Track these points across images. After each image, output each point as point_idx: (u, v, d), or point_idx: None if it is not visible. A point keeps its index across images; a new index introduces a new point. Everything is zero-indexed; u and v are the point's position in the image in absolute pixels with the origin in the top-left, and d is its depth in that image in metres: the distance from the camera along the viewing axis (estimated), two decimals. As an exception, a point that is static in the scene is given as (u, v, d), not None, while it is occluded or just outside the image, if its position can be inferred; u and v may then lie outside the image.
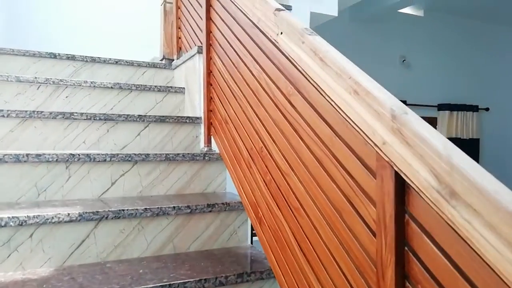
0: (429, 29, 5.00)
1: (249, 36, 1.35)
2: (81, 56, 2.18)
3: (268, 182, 1.22)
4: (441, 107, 5.13)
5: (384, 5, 3.71)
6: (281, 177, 1.14)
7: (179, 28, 2.36)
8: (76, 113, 1.69)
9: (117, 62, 2.26)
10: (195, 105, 1.97)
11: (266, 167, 1.24)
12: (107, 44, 3.47)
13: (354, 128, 0.79)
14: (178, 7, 2.36)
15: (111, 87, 1.99)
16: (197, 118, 1.91)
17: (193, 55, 1.97)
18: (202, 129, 1.91)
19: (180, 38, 2.36)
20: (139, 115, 1.79)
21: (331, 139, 0.90)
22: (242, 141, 1.44)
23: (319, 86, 0.91)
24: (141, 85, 2.05)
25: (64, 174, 1.45)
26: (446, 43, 5.16)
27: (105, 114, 1.73)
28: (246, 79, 1.40)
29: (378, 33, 4.56)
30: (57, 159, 1.43)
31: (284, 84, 1.12)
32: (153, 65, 2.34)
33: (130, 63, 2.29)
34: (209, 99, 1.81)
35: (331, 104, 0.86)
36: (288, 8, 2.79)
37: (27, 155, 1.39)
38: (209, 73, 1.81)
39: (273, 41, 1.14)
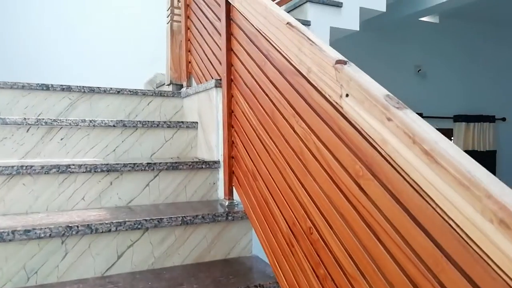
0: (444, 36, 4.75)
1: (290, 84, 1.08)
2: (77, 86, 1.90)
3: (322, 278, 0.95)
4: (457, 118, 4.88)
5: (400, 15, 3.45)
6: (344, 278, 0.88)
7: (189, 51, 2.08)
8: (74, 165, 1.41)
9: (119, 92, 1.98)
10: (211, 146, 1.70)
11: (319, 256, 0.97)
12: (106, 62, 3.19)
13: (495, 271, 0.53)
14: (187, 28, 2.09)
15: (114, 126, 1.71)
16: (215, 162, 1.64)
17: (209, 89, 1.69)
18: (220, 174, 1.64)
19: (190, 62, 2.08)
20: (147, 163, 1.52)
21: (437, 260, 0.64)
22: (280, 210, 1.17)
23: (420, 188, 0.64)
24: (147, 121, 1.77)
25: (59, 250, 1.18)
26: (462, 50, 4.91)
27: (107, 164, 1.46)
28: (284, 134, 1.13)
29: (392, 41, 4.30)
30: (50, 234, 1.15)
31: (348, 159, 0.85)
32: (159, 94, 2.07)
33: (134, 92, 2.02)
34: (230, 144, 1.54)
35: (446, 222, 0.60)
36: (307, 23, 2.53)
37: (13, 232, 1.11)
38: (230, 113, 1.53)
39: (333, 102, 0.87)
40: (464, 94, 4.96)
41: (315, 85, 0.94)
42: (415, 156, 0.65)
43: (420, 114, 4.57)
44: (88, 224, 1.20)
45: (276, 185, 1.19)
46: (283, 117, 1.13)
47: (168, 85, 2.28)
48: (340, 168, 0.88)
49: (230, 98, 1.54)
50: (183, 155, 1.85)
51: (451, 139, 5.02)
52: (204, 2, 1.81)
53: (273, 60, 1.19)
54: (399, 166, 0.69)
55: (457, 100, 4.91)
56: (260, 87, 1.29)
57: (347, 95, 0.82)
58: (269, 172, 1.23)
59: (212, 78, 1.75)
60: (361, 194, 0.82)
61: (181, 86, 2.26)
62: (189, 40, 2.08)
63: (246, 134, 1.41)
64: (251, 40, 1.34)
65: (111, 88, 1.96)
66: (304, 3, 2.61)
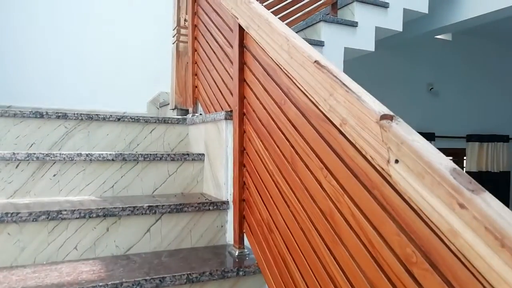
0: (457, 53, 4.61)
1: (316, 131, 0.92)
2: (74, 114, 1.75)
3: None
4: (470, 138, 4.71)
5: (414, 33, 3.30)
6: None
7: (196, 75, 1.94)
8: (65, 210, 1.25)
9: (119, 119, 1.83)
10: (219, 183, 1.54)
11: None
12: (108, 80, 3.05)
13: None
14: (194, 49, 1.94)
15: (112, 160, 1.55)
16: (223, 202, 1.48)
17: (218, 120, 1.54)
18: (229, 217, 1.48)
19: (197, 87, 1.93)
20: (149, 206, 1.36)
21: None
22: (301, 274, 1.00)
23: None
24: (149, 154, 1.62)
25: (44, 318, 1.01)
26: (475, 68, 4.76)
27: (104, 208, 1.30)
28: (308, 187, 0.97)
29: (404, 59, 4.16)
30: (34, 300, 0.99)
31: (396, 238, 0.69)
32: (163, 121, 1.91)
33: (136, 120, 1.86)
34: (241, 185, 1.37)
35: None
36: (321, 44, 2.39)
37: (-10, 299, 0.95)
38: (241, 150, 1.38)
39: (376, 166, 0.71)
40: (477, 112, 4.80)
41: (352, 140, 0.78)
42: (505, 264, 0.49)
43: (433, 134, 4.41)
44: None
45: (297, 244, 1.02)
46: (307, 167, 0.97)
47: (173, 109, 2.13)
48: (384, 246, 0.72)
49: (242, 134, 1.38)
50: (187, 190, 1.69)
51: (463, 160, 4.85)
52: (214, 24, 1.67)
53: (294, 100, 1.03)
54: (476, 270, 0.53)
55: (470, 119, 4.75)
56: (278, 127, 1.13)
57: (396, 161, 0.66)
58: (288, 227, 1.07)
59: (222, 109, 1.60)
60: (414, 285, 0.65)
61: (187, 111, 2.11)
62: (196, 63, 1.94)
63: (260, 177, 1.25)
64: (268, 74, 1.18)
65: (111, 115, 1.81)
66: (318, 22, 2.47)
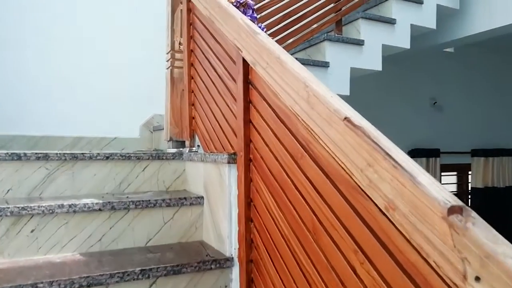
0: (460, 66, 4.48)
1: (348, 202, 0.74)
2: (57, 154, 1.55)
3: None
4: (475, 152, 4.57)
5: (418, 48, 3.15)
6: None
7: (193, 105, 1.75)
8: (41, 283, 1.05)
9: (108, 157, 1.64)
10: (221, 235, 1.35)
11: None
12: (96, 104, 2.86)
13: None
14: (190, 77, 1.76)
15: (100, 209, 1.36)
16: (227, 259, 1.29)
17: (220, 163, 1.35)
18: (233, 275, 1.29)
19: (194, 118, 1.75)
20: (141, 270, 1.17)
21: None
22: None
23: None
24: (142, 201, 1.43)
25: None
26: (478, 80, 4.64)
27: (88, 277, 1.10)
28: (336, 270, 0.79)
29: (406, 73, 4.01)
30: None
31: None
32: (157, 157, 1.72)
33: (127, 157, 1.67)
34: (248, 243, 1.19)
35: None
36: (326, 65, 2.22)
37: None
38: (248, 202, 1.19)
39: (443, 276, 0.53)
40: (482, 126, 4.66)
41: (403, 231, 0.60)
42: None
43: (438, 150, 4.26)
44: None
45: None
46: (336, 244, 0.79)
47: (168, 141, 1.94)
48: None
49: (248, 183, 1.20)
50: (185, 239, 1.50)
51: (468, 175, 4.70)
52: (212, 51, 1.49)
53: (316, 157, 0.85)
54: None
55: (474, 133, 4.60)
56: (294, 184, 0.95)
57: (477, 279, 0.48)
58: (310, 309, 0.89)
59: (223, 148, 1.42)
60: None
61: (183, 142, 1.92)
62: (193, 91, 1.76)
63: (271, 237, 1.07)
64: (279, 119, 1.00)
65: (98, 153, 1.62)
66: (322, 41, 2.31)
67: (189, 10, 1.73)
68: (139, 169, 1.70)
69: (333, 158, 0.77)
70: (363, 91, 3.37)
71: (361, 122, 0.71)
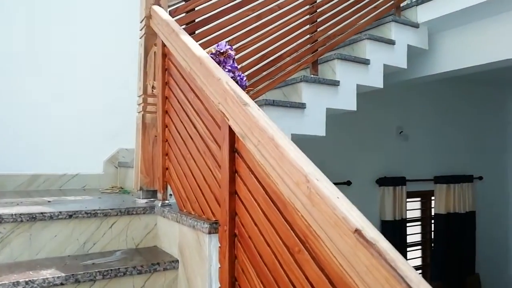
0: (424, 96, 4.63)
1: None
2: (12, 215, 1.38)
3: None
4: (438, 179, 4.71)
5: (391, 83, 3.21)
6: None
7: (167, 155, 1.63)
8: None
9: (71, 216, 1.48)
10: (201, 310, 1.23)
11: None
12: (55, 138, 2.64)
13: None
14: (165, 125, 1.64)
15: (61, 283, 1.21)
16: None
17: (199, 230, 1.24)
18: None
19: (168, 169, 1.63)
20: None
21: None
22: None
23: None
24: (111, 270, 1.29)
25: None
26: (440, 110, 4.82)
27: None
28: None
29: (374, 103, 4.07)
30: None
31: None
32: (126, 212, 1.58)
33: (92, 214, 1.52)
34: (233, 327, 1.08)
35: None
36: (302, 106, 2.19)
37: None
38: (233, 282, 1.09)
39: None
40: (444, 154, 4.83)
41: None
42: None
43: (404, 178, 4.34)
44: None
45: None
46: None
47: (139, 190, 1.80)
48: None
49: (232, 261, 1.10)
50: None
51: (432, 201, 4.84)
52: (191, 106, 1.39)
53: (316, 256, 0.78)
54: None
55: (437, 161, 4.76)
56: (288, 277, 0.87)
57: None
58: None
59: (203, 212, 1.31)
60: None
61: (154, 192, 1.79)
62: (167, 141, 1.64)
63: (260, 326, 0.97)
64: (273, 202, 0.92)
65: (60, 212, 1.45)
66: (298, 82, 2.27)
67: (164, 55, 1.62)
68: (106, 226, 1.55)
69: (339, 268, 0.70)
70: (333, 122, 3.39)
71: (374, 238, 0.64)
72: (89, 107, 2.73)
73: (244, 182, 1.05)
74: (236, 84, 1.10)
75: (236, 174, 1.09)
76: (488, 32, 2.72)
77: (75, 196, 2.06)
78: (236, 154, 1.09)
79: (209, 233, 1.19)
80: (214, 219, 1.22)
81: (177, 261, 1.42)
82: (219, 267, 1.15)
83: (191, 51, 1.30)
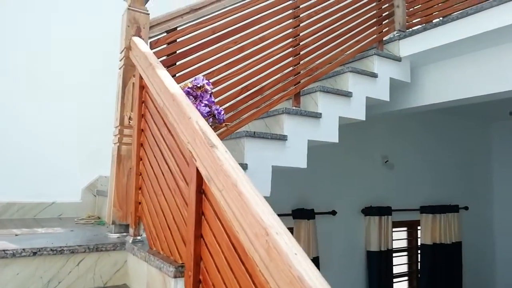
0: (410, 126, 4.68)
1: None
2: (-30, 252, 1.31)
3: None
4: (423, 209, 4.70)
5: (373, 114, 3.23)
6: None
7: (140, 189, 1.59)
8: None
9: (35, 253, 1.41)
10: None
11: None
12: (29, 164, 2.58)
13: None
14: (139, 158, 1.61)
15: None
16: None
17: (165, 273, 1.19)
18: None
19: (141, 204, 1.58)
20: None
21: None
22: None
23: None
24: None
25: None
26: (426, 140, 4.86)
27: None
28: None
29: (359, 131, 4.10)
30: None
31: None
32: (95, 248, 1.52)
33: (59, 251, 1.45)
34: None
35: None
36: (284, 138, 2.17)
37: None
38: (196, 332, 1.04)
39: None
40: (430, 184, 4.84)
41: None
42: None
43: (389, 208, 4.32)
44: None
45: None
46: None
47: (111, 224, 1.74)
48: None
49: (197, 309, 1.05)
50: None
51: (417, 230, 4.80)
52: (164, 141, 1.36)
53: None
54: None
55: (423, 191, 4.76)
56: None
57: None
58: None
59: (171, 253, 1.26)
60: None
61: (127, 226, 1.73)
62: (140, 174, 1.60)
63: None
64: (237, 252, 0.89)
65: (23, 249, 1.39)
66: (280, 114, 2.27)
67: (142, 87, 1.61)
68: (72, 264, 1.49)
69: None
70: (317, 152, 3.38)
71: (331, 303, 0.60)
72: (68, 134, 2.68)
73: (210, 226, 1.02)
74: (207, 125, 1.08)
75: (203, 216, 1.06)
76: (468, 68, 2.77)
77: (46, 228, 1.98)
78: (203, 195, 1.06)
79: (175, 277, 1.14)
80: (181, 262, 1.17)
81: (145, 303, 1.36)
82: (184, 314, 1.10)
83: (165, 87, 1.28)
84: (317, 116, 2.37)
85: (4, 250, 1.36)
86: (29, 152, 2.56)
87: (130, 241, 1.56)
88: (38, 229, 1.95)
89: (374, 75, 2.71)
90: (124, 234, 1.72)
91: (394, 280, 4.42)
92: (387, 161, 4.43)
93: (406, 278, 4.67)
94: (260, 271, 0.75)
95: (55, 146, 2.64)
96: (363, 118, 2.64)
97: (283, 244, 0.71)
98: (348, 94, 2.54)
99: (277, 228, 0.74)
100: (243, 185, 0.85)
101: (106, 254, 1.55)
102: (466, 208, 5.14)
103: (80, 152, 2.69)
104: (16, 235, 1.74)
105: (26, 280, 1.40)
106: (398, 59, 2.88)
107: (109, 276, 1.55)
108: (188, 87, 1.46)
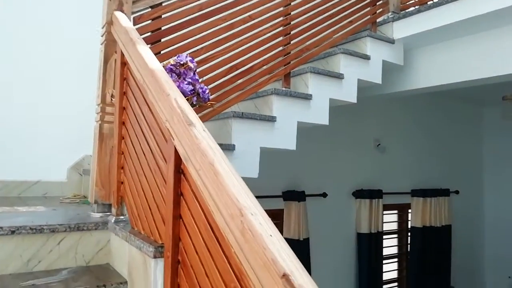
0: (401, 109, 4.65)
1: None
2: None
3: None
4: (414, 193, 4.72)
5: (366, 96, 3.19)
6: None
7: (122, 168, 1.56)
8: None
9: (14, 232, 1.38)
10: (144, 338, 1.16)
11: None
12: (15, 143, 2.53)
13: None
14: (121, 137, 1.57)
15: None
16: None
17: (145, 253, 1.17)
18: None
19: (123, 183, 1.55)
20: None
21: None
22: None
23: None
24: (50, 294, 1.20)
25: None
26: (417, 124, 4.85)
27: None
28: None
29: (352, 115, 4.07)
30: None
31: None
32: (76, 227, 1.50)
33: (38, 230, 1.43)
34: None
35: None
36: (273, 119, 2.14)
37: None
38: (174, 312, 1.02)
39: None
40: (421, 168, 4.86)
41: None
42: None
43: (380, 191, 4.34)
44: None
45: None
46: None
47: (94, 203, 1.71)
48: None
49: (175, 290, 1.03)
50: (103, 335, 1.29)
51: (408, 213, 4.84)
52: (145, 119, 1.32)
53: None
54: None
55: (414, 174, 4.78)
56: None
57: None
58: None
59: (151, 233, 1.24)
60: None
61: (110, 205, 1.71)
62: (123, 153, 1.56)
63: None
64: (214, 234, 0.86)
65: (1, 227, 1.36)
66: (269, 94, 2.22)
67: (123, 64, 1.55)
68: (53, 242, 1.47)
69: None
70: (309, 134, 3.35)
71: (302, 286, 0.58)
72: (54, 113, 2.62)
73: (188, 207, 0.99)
74: (186, 102, 1.04)
75: (181, 196, 1.03)
76: (462, 51, 2.72)
77: (28, 207, 1.95)
78: (182, 175, 1.03)
79: (155, 257, 1.12)
80: (161, 242, 1.15)
81: (126, 282, 1.35)
82: (163, 292, 1.08)
83: (144, 63, 1.23)
84: (307, 97, 2.33)
85: (-19, 229, 1.33)
86: (13, 132, 2.51)
87: (113, 221, 1.53)
88: (19, 208, 1.92)
89: (366, 57, 2.66)
90: (107, 213, 1.70)
91: (384, 261, 4.47)
92: (379, 144, 4.42)
93: (396, 259, 4.74)
94: (235, 252, 0.73)
95: (40, 125, 2.59)
96: (355, 101, 2.60)
97: (257, 225, 0.68)
98: (339, 76, 2.50)
99: (253, 209, 0.71)
100: (220, 164, 0.82)
101: (88, 234, 1.53)
102: (457, 192, 5.18)
103: (66, 131, 2.64)
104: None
105: (5, 259, 1.38)
106: (391, 41, 2.82)
107: (92, 256, 1.53)
108: (171, 64, 1.41)
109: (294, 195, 3.62)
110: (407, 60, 2.97)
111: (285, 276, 0.60)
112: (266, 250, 0.64)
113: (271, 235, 0.67)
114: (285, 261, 0.62)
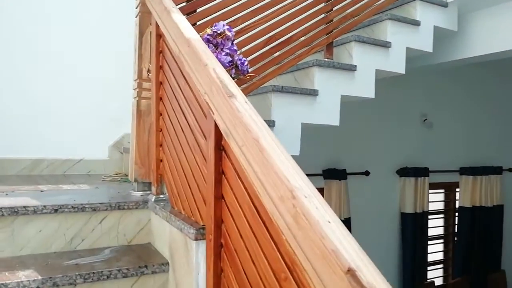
0: (450, 82, 4.32)
1: None
2: (-9, 209, 1.29)
3: None
4: (463, 171, 4.44)
5: (415, 67, 2.95)
6: None
7: (161, 146, 1.51)
8: None
9: (57, 210, 1.38)
10: (187, 321, 1.12)
11: None
12: (58, 122, 2.56)
13: None
14: (159, 113, 1.51)
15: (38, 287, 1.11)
16: None
17: (187, 235, 1.12)
18: None
19: (162, 161, 1.50)
20: None
21: None
22: None
23: None
24: (92, 273, 1.18)
25: None
26: (467, 97, 4.50)
27: None
28: None
29: (397, 88, 3.82)
30: None
31: None
32: (117, 206, 1.47)
33: (80, 208, 1.42)
34: None
35: None
36: (314, 93, 2.02)
37: None
38: (217, 297, 0.96)
39: None
40: (471, 144, 4.54)
41: None
42: None
43: (426, 169, 4.10)
44: None
45: None
46: None
47: (134, 181, 1.69)
48: None
49: (218, 274, 0.97)
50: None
51: (456, 193, 4.57)
52: (182, 93, 1.25)
53: (303, 286, 0.63)
54: None
55: (464, 151, 4.47)
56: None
57: None
58: None
59: (192, 214, 1.18)
60: None
61: (150, 184, 1.67)
62: (161, 130, 1.51)
63: None
64: (260, 217, 0.78)
65: (44, 206, 1.36)
66: (311, 66, 2.08)
67: (159, 36, 1.47)
68: (95, 221, 1.45)
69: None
70: (350, 108, 3.17)
71: (372, 284, 0.48)
72: (94, 91, 2.63)
73: (231, 187, 0.91)
74: (225, 72, 0.94)
75: (223, 176, 0.95)
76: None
77: (72, 185, 1.97)
78: (223, 152, 0.95)
79: (196, 239, 1.06)
80: (202, 224, 1.09)
81: (168, 263, 1.31)
82: (206, 275, 1.03)
83: (180, 32, 1.15)
84: (351, 68, 2.17)
85: (25, 207, 1.34)
86: (58, 110, 2.55)
87: (153, 200, 1.49)
88: (63, 186, 1.94)
89: (416, 23, 2.43)
90: (148, 192, 1.67)
91: (429, 242, 4.28)
92: (426, 119, 4.16)
93: (441, 240, 4.53)
94: (286, 240, 0.64)
95: (83, 105, 2.61)
96: (403, 72, 2.40)
97: (313, 209, 0.59)
98: (386, 45, 2.31)
99: (306, 190, 0.62)
100: (266, 140, 0.72)
101: (129, 212, 1.50)
102: (510, 170, 4.82)
103: (106, 110, 2.65)
104: (41, 191, 1.73)
105: (50, 237, 1.38)
106: (444, 4, 2.57)
107: (133, 235, 1.51)
108: (208, 34, 1.32)
109: (335, 174, 3.50)
110: (461, 25, 2.70)
111: (350, 272, 0.50)
112: (325, 240, 0.55)
113: (329, 222, 0.57)
114: (349, 254, 0.52)
